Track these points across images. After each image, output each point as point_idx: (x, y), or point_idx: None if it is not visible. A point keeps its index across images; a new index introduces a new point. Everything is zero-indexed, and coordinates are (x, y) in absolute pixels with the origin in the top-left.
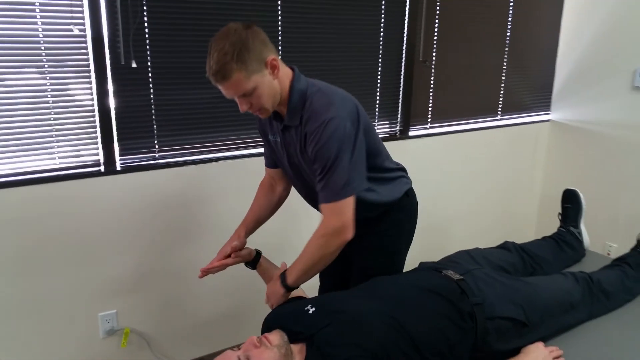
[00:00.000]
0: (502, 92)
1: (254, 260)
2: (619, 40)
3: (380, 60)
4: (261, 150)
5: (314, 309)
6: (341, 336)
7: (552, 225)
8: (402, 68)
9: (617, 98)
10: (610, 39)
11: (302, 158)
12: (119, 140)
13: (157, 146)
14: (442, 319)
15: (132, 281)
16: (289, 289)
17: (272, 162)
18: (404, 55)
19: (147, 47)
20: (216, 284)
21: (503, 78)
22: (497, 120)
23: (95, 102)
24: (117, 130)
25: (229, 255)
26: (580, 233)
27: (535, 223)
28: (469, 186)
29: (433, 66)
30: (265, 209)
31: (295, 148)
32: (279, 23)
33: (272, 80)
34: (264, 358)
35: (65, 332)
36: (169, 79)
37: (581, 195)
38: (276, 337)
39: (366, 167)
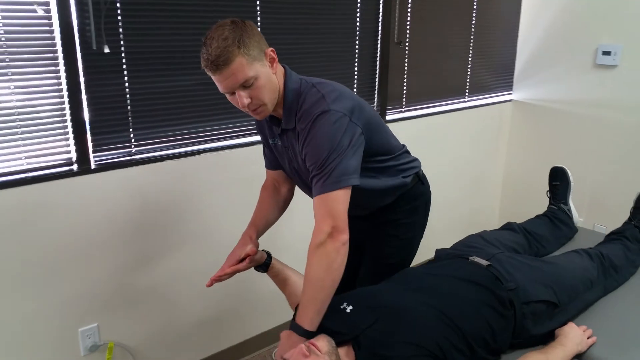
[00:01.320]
0: (468, 73)
1: (265, 263)
2: (580, 19)
3: (357, 42)
4: (247, 140)
5: (350, 307)
6: (392, 334)
7: (513, 200)
8: (378, 50)
9: (579, 76)
10: (571, 18)
11: (300, 160)
12: (92, 135)
13: (133, 140)
14: (486, 308)
15: (113, 291)
16: (309, 334)
17: (272, 164)
18: (379, 37)
19: (120, 30)
20: (200, 290)
21: (470, 59)
22: (464, 102)
23: (65, 93)
24: (90, 123)
25: (241, 260)
26: (569, 209)
27: (499, 198)
28: (440, 167)
29: (407, 48)
30: (272, 210)
31: (293, 151)
32: (257, 2)
33: (271, 73)
34: None
35: (41, 353)
36: (144, 65)
37: (569, 172)
38: (324, 343)
39: (371, 160)
